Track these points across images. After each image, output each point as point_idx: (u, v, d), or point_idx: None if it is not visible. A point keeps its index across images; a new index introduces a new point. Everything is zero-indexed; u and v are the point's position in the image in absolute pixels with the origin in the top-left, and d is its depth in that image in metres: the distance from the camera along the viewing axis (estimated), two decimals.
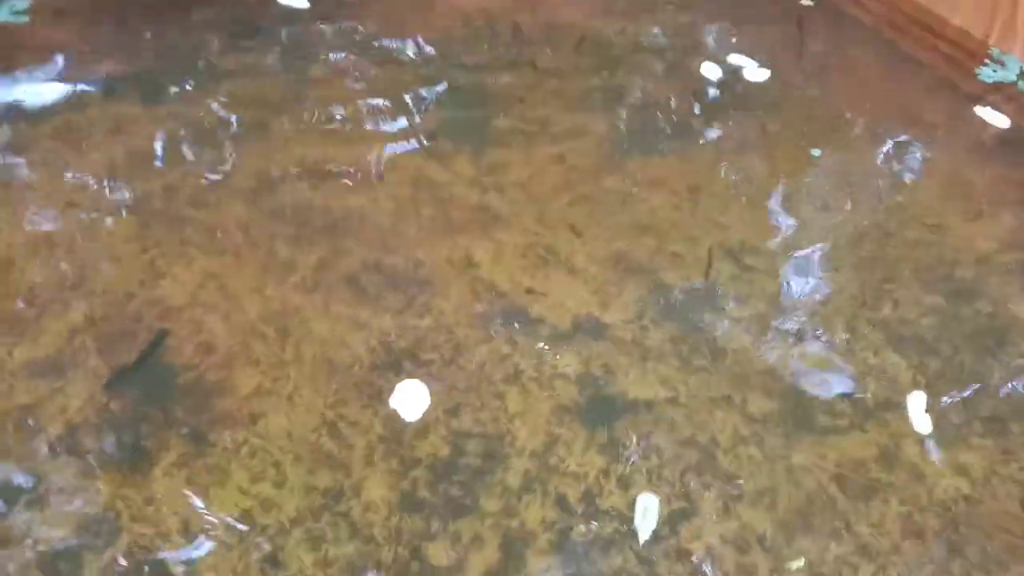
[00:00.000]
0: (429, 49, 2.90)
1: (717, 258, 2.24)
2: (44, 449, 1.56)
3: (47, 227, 1.95)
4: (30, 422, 1.60)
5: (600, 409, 1.81)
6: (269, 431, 1.67)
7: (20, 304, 1.79)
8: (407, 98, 2.62)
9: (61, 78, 2.41)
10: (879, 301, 2.19)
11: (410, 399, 1.75)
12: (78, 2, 2.74)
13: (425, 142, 2.46)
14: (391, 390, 1.77)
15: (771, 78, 3.13)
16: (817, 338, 2.06)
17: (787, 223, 2.42)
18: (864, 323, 2.12)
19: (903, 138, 2.95)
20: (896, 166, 2.78)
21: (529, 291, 2.03)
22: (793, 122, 2.92)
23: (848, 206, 2.53)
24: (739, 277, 2.19)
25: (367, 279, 2.00)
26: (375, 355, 1.84)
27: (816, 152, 2.76)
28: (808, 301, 2.17)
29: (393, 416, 1.72)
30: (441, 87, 2.72)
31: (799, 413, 1.86)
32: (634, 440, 1.76)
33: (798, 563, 1.57)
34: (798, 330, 2.07)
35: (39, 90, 2.35)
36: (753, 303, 2.13)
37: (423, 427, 1.71)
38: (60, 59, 2.48)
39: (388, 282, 2.01)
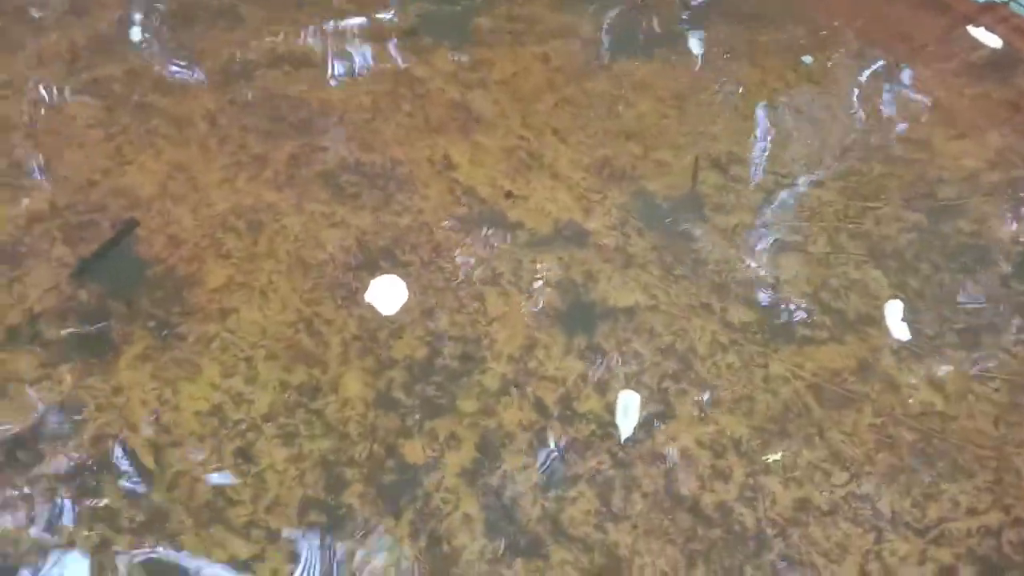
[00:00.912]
0: None
1: (703, 168, 2.20)
2: (1, 336, 1.51)
3: (3, 109, 1.84)
4: None
5: (580, 315, 1.78)
6: (241, 326, 1.62)
7: None
8: None
9: None
10: (861, 216, 2.17)
11: (387, 294, 1.70)
12: None
13: (405, 37, 2.35)
14: (366, 288, 1.73)
15: None
16: (798, 250, 2.04)
17: (773, 135, 2.37)
18: (846, 237, 2.10)
19: (893, 55, 2.89)
20: (884, 83, 2.73)
21: (508, 195, 1.98)
22: (782, 32, 2.84)
23: (834, 120, 2.49)
24: (724, 187, 2.16)
25: (343, 177, 1.93)
26: (350, 254, 1.78)
27: (807, 59, 2.70)
28: (791, 214, 2.14)
29: (369, 315, 1.68)
30: None
31: (777, 324, 1.86)
32: (613, 346, 1.74)
33: (775, 456, 1.59)
34: (779, 241, 2.05)
35: None
36: (737, 213, 2.10)
37: (399, 327, 1.67)
38: None
39: (365, 180, 1.94)
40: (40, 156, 1.78)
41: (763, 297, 1.91)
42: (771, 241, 2.05)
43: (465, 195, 1.98)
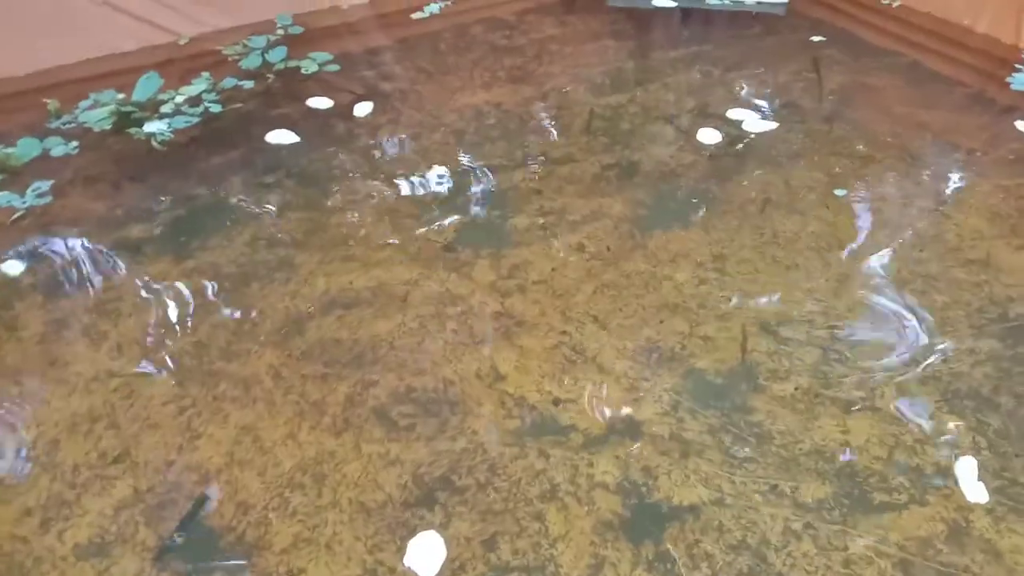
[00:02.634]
0: (442, 158, 2.95)
1: (751, 334, 2.17)
2: None
3: (88, 400, 2.03)
4: None
5: (645, 520, 1.75)
6: None
7: (64, 486, 1.85)
8: (423, 212, 2.66)
9: (91, 246, 2.53)
10: (928, 355, 2.08)
11: (425, 554, 1.72)
12: (103, 170, 2.89)
13: (445, 254, 2.48)
14: (425, 526, 1.75)
15: (787, 127, 3.08)
16: (866, 407, 1.96)
17: (821, 282, 2.33)
18: (915, 384, 2.01)
19: (938, 164, 2.83)
20: (933, 197, 2.67)
21: (556, 402, 2.01)
22: (819, 168, 2.84)
23: (885, 252, 2.43)
24: (776, 352, 2.12)
25: (396, 409, 2.01)
26: (407, 491, 1.83)
27: (840, 192, 2.68)
28: (852, 367, 2.07)
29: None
30: (458, 193, 2.75)
31: (853, 494, 1.76)
32: (683, 550, 1.69)
33: None
34: (846, 402, 1.98)
35: (73, 262, 2.47)
36: (794, 378, 2.05)
37: (460, 566, 1.68)
38: (89, 226, 2.61)
39: (418, 408, 2.01)
40: (122, 443, 1.94)
41: (834, 466, 1.83)
42: (835, 401, 1.98)
43: (516, 406, 2.02)
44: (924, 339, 2.12)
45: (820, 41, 3.69)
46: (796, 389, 2.02)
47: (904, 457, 1.84)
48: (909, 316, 2.20)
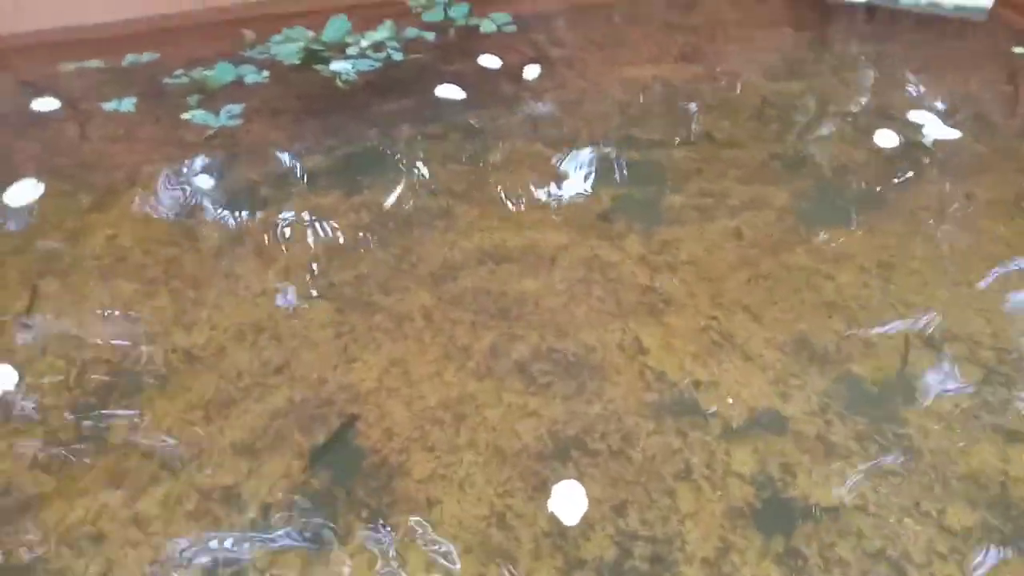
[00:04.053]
0: (604, 129, 2.95)
1: (914, 346, 2.08)
2: (247, 523, 1.72)
3: (255, 314, 2.17)
4: (237, 498, 1.77)
5: (778, 514, 1.72)
6: (444, 518, 1.73)
7: (229, 387, 1.99)
8: (581, 179, 2.68)
9: (270, 171, 2.69)
10: None
11: (569, 502, 1.75)
12: (287, 103, 3.06)
13: (598, 223, 2.49)
14: (557, 479, 1.78)
15: (973, 137, 2.89)
16: None
17: (997, 308, 2.19)
18: None
19: None
20: None
21: (697, 384, 1.99)
22: (1004, 184, 2.66)
23: None
24: (939, 368, 2.01)
25: (537, 366, 2.05)
26: (542, 443, 1.86)
27: None
28: (1017, 394, 1.94)
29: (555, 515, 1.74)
30: (617, 164, 2.75)
31: (1009, 528, 1.67)
32: (815, 550, 1.65)
33: None
34: (1009, 431, 1.86)
35: (252, 184, 2.64)
36: (953, 398, 1.94)
37: (589, 525, 1.70)
38: (271, 152, 2.78)
39: (558, 368, 2.04)
40: (283, 356, 2.07)
41: (988, 494, 1.73)
42: (996, 428, 1.87)
43: (656, 381, 2.01)
44: None
45: (1022, 54, 3.43)
46: (955, 407, 1.91)
47: None
48: None
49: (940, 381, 1.99)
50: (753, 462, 1.82)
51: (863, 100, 3.13)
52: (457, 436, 1.89)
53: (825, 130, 2.94)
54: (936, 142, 2.87)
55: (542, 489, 1.77)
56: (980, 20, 3.73)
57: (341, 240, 2.42)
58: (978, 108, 3.07)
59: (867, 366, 2.03)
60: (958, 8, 3.79)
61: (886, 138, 2.88)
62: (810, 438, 1.87)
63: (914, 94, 3.16)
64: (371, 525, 1.71)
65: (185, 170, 2.68)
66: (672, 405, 1.95)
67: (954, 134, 2.90)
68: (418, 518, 1.72)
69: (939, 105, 3.07)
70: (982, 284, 2.26)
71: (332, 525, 1.71)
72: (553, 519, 1.71)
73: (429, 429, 1.90)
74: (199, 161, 2.72)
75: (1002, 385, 1.98)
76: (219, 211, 2.52)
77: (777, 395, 1.97)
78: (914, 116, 3.00)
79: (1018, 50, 3.45)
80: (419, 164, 2.73)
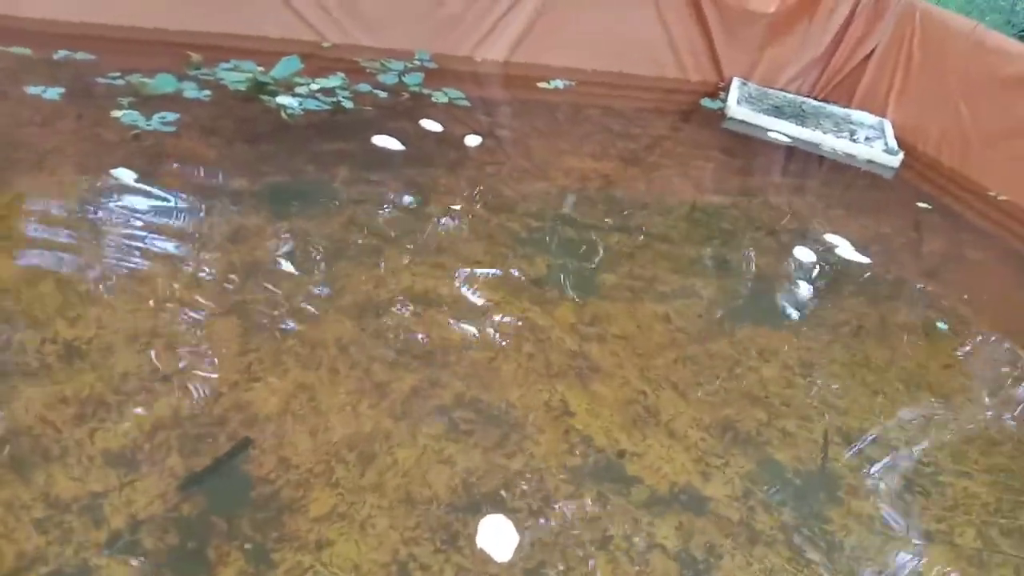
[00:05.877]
0: (543, 204, 2.94)
1: (833, 443, 2.06)
2: (103, 540, 1.47)
3: (153, 319, 1.96)
4: (97, 510, 1.52)
5: None
6: (334, 560, 1.53)
7: (108, 389, 1.76)
8: (517, 244, 2.63)
9: (194, 183, 2.52)
10: (1015, 511, 1.95)
11: (497, 537, 1.59)
12: (224, 124, 2.92)
13: (531, 287, 2.43)
14: (468, 535, 1.62)
15: (883, 268, 3.05)
16: (944, 542, 1.82)
17: (911, 417, 2.23)
18: (997, 532, 1.88)
19: None
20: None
21: (622, 453, 1.89)
22: (913, 313, 2.79)
23: (979, 410, 2.34)
24: (858, 468, 2.00)
25: (459, 413, 1.91)
26: (455, 495, 1.70)
27: (943, 326, 2.61)
28: (936, 504, 1.94)
29: (468, 564, 1.56)
30: (553, 237, 2.73)
31: None
32: None
33: None
34: (925, 533, 1.85)
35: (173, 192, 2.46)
36: (874, 499, 1.92)
37: None
38: (197, 166, 2.62)
39: (481, 417, 1.91)
40: (175, 365, 1.85)
41: None
42: (914, 530, 1.85)
43: (581, 444, 1.90)
44: (1012, 495, 2.00)
45: (925, 208, 3.70)
46: (874, 511, 1.89)
47: None
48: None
49: (859, 482, 1.97)
50: (676, 539, 1.71)
51: (783, 221, 3.27)
52: (362, 476, 1.71)
53: (750, 240, 3.03)
54: (851, 263, 3.00)
55: (451, 543, 1.60)
56: (887, 176, 4.04)
57: (260, 259, 2.25)
58: (887, 245, 3.26)
59: (788, 455, 1.99)
60: (870, 162, 4.10)
61: (805, 254, 3.00)
62: (733, 522, 1.78)
63: (830, 222, 3.33)
64: (251, 561, 1.49)
65: (97, 164, 2.48)
66: (595, 470, 1.84)
67: (865, 260, 3.05)
68: (308, 558, 1.52)
69: (852, 235, 3.24)
70: (894, 394, 2.31)
71: (205, 554, 1.47)
72: (460, 571, 1.54)
73: (333, 464, 1.72)
74: (123, 157, 2.53)
75: (920, 494, 1.97)
76: (131, 211, 2.32)
77: (698, 474, 1.89)
78: (830, 238, 3.15)
79: (922, 205, 3.72)
80: (353, 205, 2.62)
